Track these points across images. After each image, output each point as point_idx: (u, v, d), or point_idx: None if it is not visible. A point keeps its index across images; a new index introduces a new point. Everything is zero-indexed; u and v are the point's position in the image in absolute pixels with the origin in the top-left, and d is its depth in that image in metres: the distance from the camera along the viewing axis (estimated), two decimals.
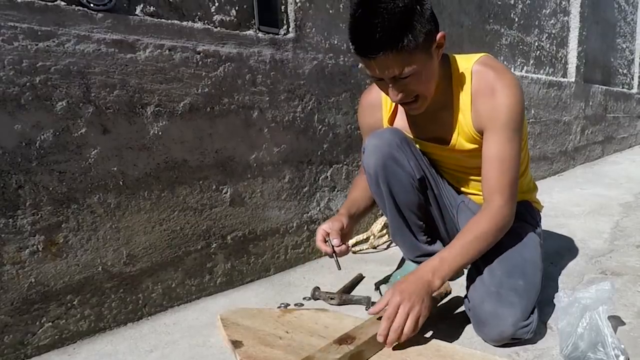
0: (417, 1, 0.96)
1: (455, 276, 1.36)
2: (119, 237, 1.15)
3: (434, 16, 1.01)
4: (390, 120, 1.25)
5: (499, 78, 1.07)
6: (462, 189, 1.31)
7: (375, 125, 1.28)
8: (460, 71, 1.11)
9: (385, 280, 1.35)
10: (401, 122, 1.24)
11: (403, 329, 0.93)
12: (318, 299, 1.29)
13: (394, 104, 1.22)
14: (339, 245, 1.10)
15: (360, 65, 1.73)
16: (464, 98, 1.11)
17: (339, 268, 1.12)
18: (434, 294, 1.02)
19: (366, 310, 1.18)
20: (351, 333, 0.94)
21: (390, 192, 1.23)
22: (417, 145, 1.25)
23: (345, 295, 1.29)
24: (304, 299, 1.32)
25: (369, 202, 1.31)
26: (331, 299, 1.27)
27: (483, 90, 1.08)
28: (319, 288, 1.31)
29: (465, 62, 1.12)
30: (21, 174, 0.98)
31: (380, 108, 1.25)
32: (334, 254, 1.10)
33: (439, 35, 1.01)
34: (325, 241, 1.12)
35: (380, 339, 0.93)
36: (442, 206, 1.31)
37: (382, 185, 1.22)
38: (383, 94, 1.19)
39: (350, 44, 0.99)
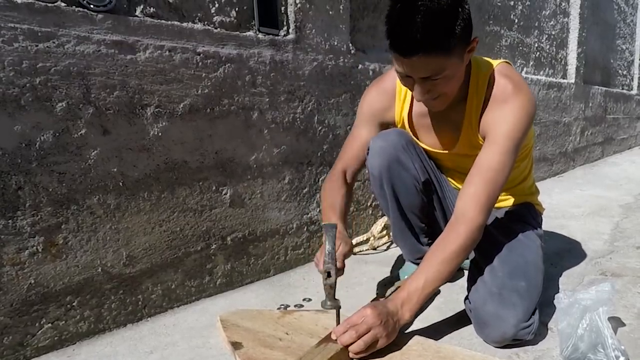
0: (459, 1, 0.93)
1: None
2: (119, 238, 1.15)
3: (471, 17, 0.97)
4: (408, 118, 1.22)
5: (515, 92, 1.05)
6: None
7: (383, 113, 1.24)
8: (478, 76, 1.09)
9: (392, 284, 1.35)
10: (414, 118, 1.22)
11: (361, 337, 0.89)
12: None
13: (407, 99, 1.20)
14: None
15: (360, 66, 1.73)
16: (477, 103, 1.09)
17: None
18: None
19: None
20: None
21: (394, 194, 1.22)
22: (424, 147, 1.25)
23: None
24: (304, 300, 1.32)
25: (348, 206, 1.24)
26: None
27: (497, 100, 1.06)
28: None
29: (485, 67, 1.10)
30: (21, 175, 0.98)
31: (393, 98, 1.21)
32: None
33: (474, 40, 0.99)
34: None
35: (334, 335, 0.91)
36: (446, 209, 1.31)
37: (385, 187, 1.21)
38: (398, 84, 1.18)
39: (386, 39, 0.95)
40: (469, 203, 1.01)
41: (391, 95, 1.21)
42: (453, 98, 1.07)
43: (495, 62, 1.11)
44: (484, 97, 1.08)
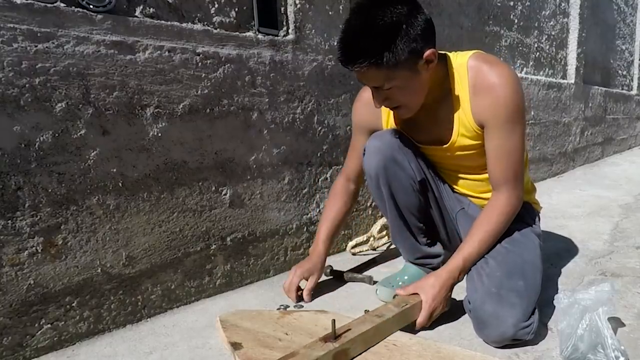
0: (406, 19, 0.98)
1: None
2: (118, 238, 1.15)
3: (425, 33, 1.01)
4: (393, 119, 1.25)
5: (494, 72, 1.08)
6: (463, 190, 1.31)
7: (372, 122, 1.28)
8: (456, 68, 1.12)
9: (385, 282, 1.35)
10: (402, 122, 1.24)
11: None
12: (330, 276, 1.47)
13: None
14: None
15: None
16: (462, 94, 1.12)
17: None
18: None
19: (370, 284, 1.41)
20: (338, 331, 0.94)
21: (390, 194, 1.22)
22: (418, 147, 1.25)
23: (352, 273, 1.46)
24: (304, 300, 1.32)
25: (344, 221, 1.42)
26: (339, 276, 1.45)
27: (480, 86, 1.09)
28: (331, 266, 1.48)
29: (460, 58, 1.13)
30: (20, 175, 0.98)
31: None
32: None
33: (427, 53, 1.02)
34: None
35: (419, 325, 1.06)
36: (442, 208, 1.31)
37: (382, 187, 1.21)
38: None
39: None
40: (500, 186, 1.13)
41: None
42: (439, 97, 1.12)
43: (469, 52, 1.14)
44: (467, 87, 1.11)
